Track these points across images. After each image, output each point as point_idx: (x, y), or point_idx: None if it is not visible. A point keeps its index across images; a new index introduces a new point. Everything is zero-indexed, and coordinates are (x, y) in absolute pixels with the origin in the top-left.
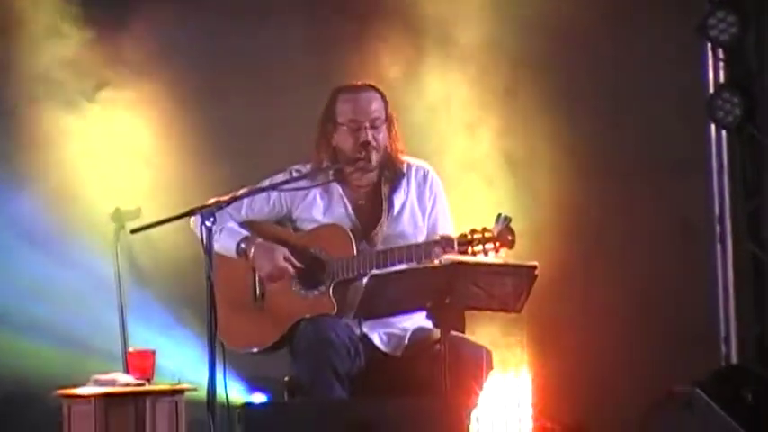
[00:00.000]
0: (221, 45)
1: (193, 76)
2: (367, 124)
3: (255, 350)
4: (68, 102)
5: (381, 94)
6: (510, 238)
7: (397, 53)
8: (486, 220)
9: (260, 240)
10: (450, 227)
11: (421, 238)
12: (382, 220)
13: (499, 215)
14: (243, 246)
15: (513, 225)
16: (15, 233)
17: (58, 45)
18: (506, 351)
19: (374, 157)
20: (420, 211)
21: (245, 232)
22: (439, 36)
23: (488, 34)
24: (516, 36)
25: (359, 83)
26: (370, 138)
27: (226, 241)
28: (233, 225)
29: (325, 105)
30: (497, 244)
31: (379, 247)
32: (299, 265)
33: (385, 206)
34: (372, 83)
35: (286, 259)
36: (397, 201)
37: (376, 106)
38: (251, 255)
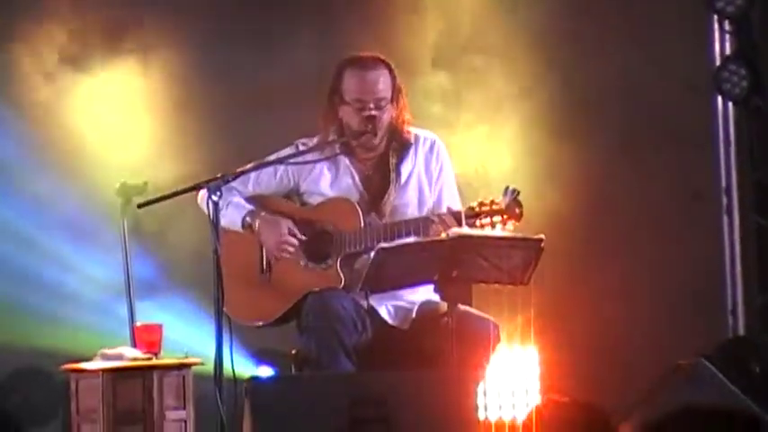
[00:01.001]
0: (226, 19)
1: (199, 48)
2: (372, 105)
3: (262, 324)
4: (74, 70)
5: (389, 67)
6: (518, 210)
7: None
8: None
9: (264, 213)
10: (456, 196)
11: (427, 207)
12: (390, 189)
13: (507, 187)
14: (248, 219)
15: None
16: (21, 210)
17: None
18: (513, 324)
19: (379, 132)
20: (426, 181)
21: (250, 206)
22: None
23: (493, 7)
24: (522, 11)
25: (366, 55)
26: (374, 113)
27: (232, 215)
28: (239, 200)
29: (332, 77)
30: (505, 216)
31: (387, 217)
32: (302, 237)
33: (392, 176)
34: (380, 55)
35: (290, 232)
36: (405, 170)
37: (382, 85)
38: (256, 228)
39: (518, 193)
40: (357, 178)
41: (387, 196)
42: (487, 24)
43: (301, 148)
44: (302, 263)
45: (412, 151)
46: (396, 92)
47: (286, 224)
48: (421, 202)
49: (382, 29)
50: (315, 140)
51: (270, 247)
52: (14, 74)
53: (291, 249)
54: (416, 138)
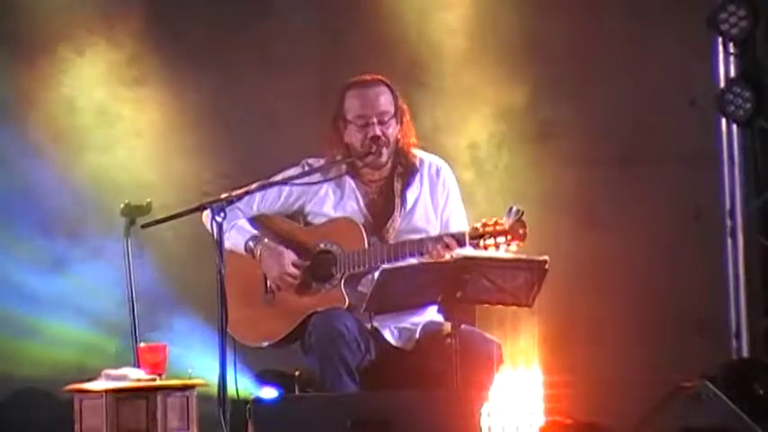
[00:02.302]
0: (228, 34)
1: (200, 66)
2: (374, 119)
3: (266, 344)
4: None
5: (390, 87)
6: (521, 231)
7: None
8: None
9: (267, 241)
10: (464, 223)
11: (433, 234)
12: (395, 215)
13: (510, 207)
14: (251, 244)
15: (525, 218)
16: (27, 223)
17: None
18: (517, 345)
19: (385, 152)
20: (432, 207)
21: (254, 231)
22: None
23: (496, 27)
24: (526, 28)
25: (368, 77)
26: (378, 132)
27: (235, 238)
28: (243, 222)
29: (335, 103)
30: (509, 237)
31: (391, 242)
32: (305, 264)
33: (397, 202)
34: (381, 77)
35: (293, 263)
36: (411, 196)
37: (384, 101)
38: (257, 255)
39: (522, 213)
40: (362, 202)
41: (390, 222)
42: (485, 40)
43: (307, 168)
44: (306, 283)
45: (417, 177)
46: (399, 111)
47: (288, 256)
48: (426, 230)
49: (385, 45)
50: (321, 161)
51: (271, 277)
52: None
53: (292, 281)
54: (422, 162)
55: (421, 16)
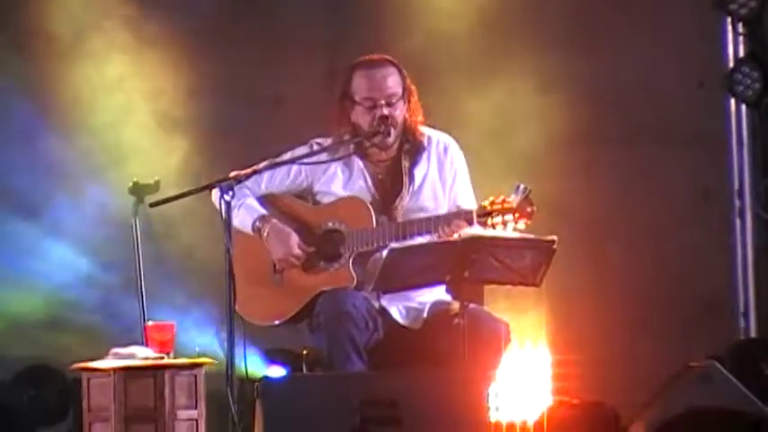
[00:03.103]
0: (236, 14)
1: (208, 46)
2: (383, 101)
3: (274, 323)
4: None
5: (398, 67)
6: (529, 209)
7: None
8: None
9: (275, 221)
10: (472, 200)
11: (442, 212)
12: (403, 193)
13: (518, 185)
14: (258, 224)
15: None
16: (29, 209)
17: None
18: (525, 324)
19: (392, 132)
20: (441, 185)
21: (262, 210)
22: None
23: (503, 8)
24: (535, 11)
25: (376, 57)
26: (386, 113)
27: (243, 217)
28: (251, 201)
29: (341, 81)
30: (517, 215)
31: (400, 221)
32: (310, 250)
33: (405, 180)
34: (389, 57)
35: (298, 246)
36: (418, 174)
37: (392, 82)
38: (264, 236)
39: (530, 191)
40: (370, 181)
41: (399, 200)
42: (497, 24)
43: (316, 147)
44: (314, 262)
45: (425, 154)
46: (407, 91)
47: (295, 239)
48: (435, 208)
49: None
50: (329, 140)
51: (277, 258)
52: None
53: (296, 263)
54: (429, 140)
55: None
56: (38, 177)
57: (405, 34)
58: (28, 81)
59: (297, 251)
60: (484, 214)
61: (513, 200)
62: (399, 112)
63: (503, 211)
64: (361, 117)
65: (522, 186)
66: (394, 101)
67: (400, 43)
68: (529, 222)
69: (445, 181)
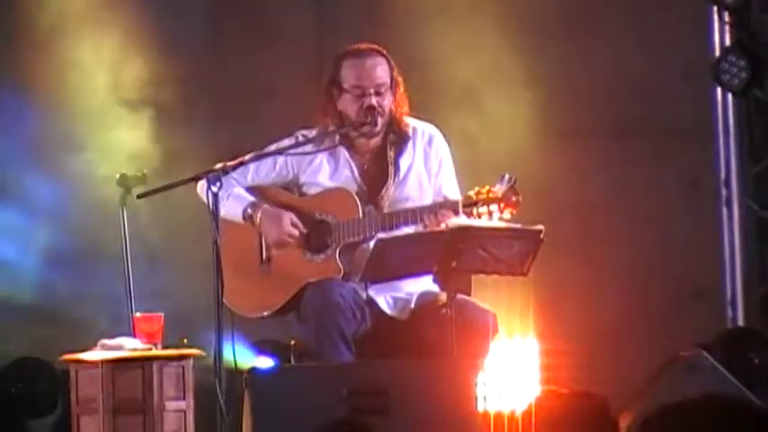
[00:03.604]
0: (223, 4)
1: (193, 36)
2: (371, 90)
3: (262, 314)
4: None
5: (386, 57)
6: (515, 198)
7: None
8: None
9: (266, 206)
10: (456, 190)
11: (427, 201)
12: (388, 183)
13: (503, 175)
14: (249, 211)
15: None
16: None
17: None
18: (512, 314)
19: (379, 122)
20: (426, 174)
21: (251, 198)
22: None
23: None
24: (521, 3)
25: (364, 46)
26: (374, 103)
27: (232, 207)
28: (239, 190)
29: (329, 70)
30: (502, 205)
31: (386, 210)
32: (304, 230)
33: (391, 170)
34: (378, 46)
35: (293, 224)
36: (403, 164)
37: (381, 72)
38: (257, 220)
39: (515, 180)
40: (356, 171)
41: (385, 189)
42: (483, 18)
43: (301, 139)
44: (301, 253)
45: (410, 144)
46: (394, 81)
47: (288, 216)
48: (420, 197)
49: (383, 18)
50: (314, 132)
51: (271, 239)
52: None
53: (293, 242)
54: (414, 130)
55: None
56: (18, 158)
57: (394, 25)
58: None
59: (291, 229)
60: (469, 204)
61: (499, 189)
62: (387, 101)
63: (488, 201)
64: (348, 105)
65: (507, 176)
66: (382, 90)
67: (389, 34)
68: (514, 212)
69: (430, 170)
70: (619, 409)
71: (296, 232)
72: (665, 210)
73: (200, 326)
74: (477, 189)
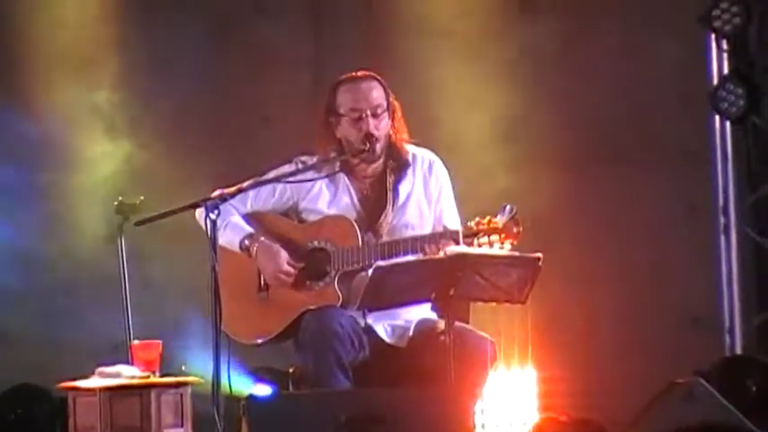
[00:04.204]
0: (221, 35)
1: (193, 63)
2: (368, 112)
3: (260, 341)
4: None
5: (381, 82)
6: (515, 229)
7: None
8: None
9: (263, 239)
10: (456, 217)
11: (426, 229)
12: (387, 209)
13: (505, 206)
14: (246, 243)
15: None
16: (25, 224)
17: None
18: (511, 342)
19: (378, 147)
20: (426, 201)
21: (249, 228)
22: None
23: (490, 23)
24: (519, 26)
25: (359, 73)
26: (372, 128)
27: (230, 236)
28: (237, 219)
29: (326, 99)
30: (503, 235)
31: (385, 237)
32: (300, 266)
33: (390, 196)
34: (373, 73)
35: (288, 263)
36: (403, 190)
37: (377, 94)
38: (253, 254)
39: (516, 211)
40: (355, 198)
41: (384, 216)
42: (480, 47)
43: (300, 165)
44: (300, 281)
45: (410, 171)
46: (390, 107)
47: (284, 256)
48: (419, 224)
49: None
50: (314, 158)
51: (267, 275)
52: None
53: (288, 280)
54: (414, 157)
55: (414, 15)
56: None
57: (390, 51)
58: None
59: (286, 268)
60: (470, 234)
61: (500, 220)
62: (384, 124)
63: (489, 232)
64: (346, 130)
65: (508, 207)
66: (379, 112)
67: (387, 62)
68: (515, 243)
69: (430, 197)
70: None
71: (291, 270)
72: (662, 237)
73: (198, 353)
74: (477, 219)
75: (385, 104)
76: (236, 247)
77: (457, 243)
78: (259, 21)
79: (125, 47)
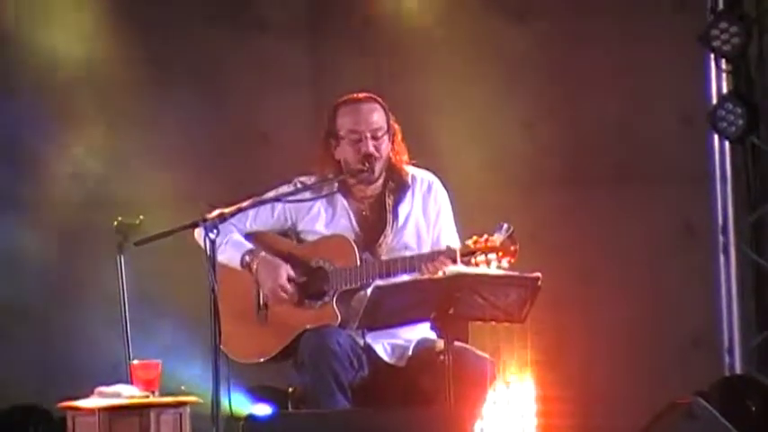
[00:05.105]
0: (219, 52)
1: (193, 83)
2: (368, 134)
3: (258, 361)
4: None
5: (382, 104)
6: (513, 247)
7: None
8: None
9: (264, 254)
10: (455, 238)
11: (425, 250)
12: (387, 231)
13: (501, 224)
14: (247, 258)
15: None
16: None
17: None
18: (510, 361)
19: (377, 168)
20: (425, 223)
21: (250, 245)
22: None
23: (487, 40)
24: (517, 45)
25: (360, 95)
26: (371, 149)
27: (231, 253)
28: (238, 237)
29: (326, 121)
30: (500, 254)
31: (383, 258)
32: (300, 280)
33: (389, 217)
34: (373, 95)
35: (289, 278)
36: (402, 212)
37: (377, 117)
38: (254, 269)
39: (513, 230)
40: (354, 219)
41: (383, 237)
42: (480, 64)
43: (299, 186)
44: (298, 300)
45: (409, 193)
46: (391, 129)
47: (285, 269)
48: (418, 245)
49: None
50: (313, 179)
51: (267, 290)
52: None
53: (286, 297)
54: (413, 178)
55: (412, 32)
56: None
57: (392, 70)
58: None
59: (285, 282)
60: (468, 253)
61: (497, 238)
62: (384, 146)
63: (486, 250)
64: (346, 152)
65: (505, 225)
66: (379, 135)
67: (386, 80)
68: (513, 261)
69: (429, 218)
70: None
71: (290, 287)
72: (661, 256)
73: (197, 372)
74: (475, 238)
75: (385, 127)
76: (236, 264)
77: (454, 262)
78: (258, 37)
79: (124, 64)
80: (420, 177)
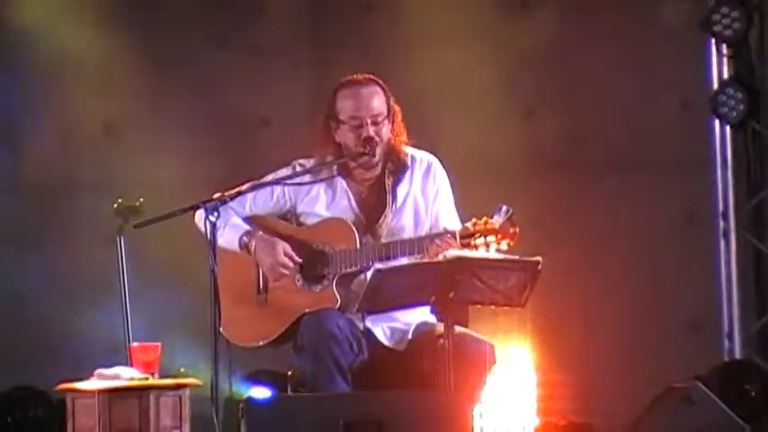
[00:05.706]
0: (220, 36)
1: (193, 67)
2: (368, 120)
3: (258, 344)
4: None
5: (382, 86)
6: (512, 230)
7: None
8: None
9: (261, 234)
10: (455, 219)
11: (424, 230)
12: (386, 211)
13: (500, 206)
14: (245, 239)
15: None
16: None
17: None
18: (510, 346)
19: (378, 152)
20: (423, 203)
21: (247, 226)
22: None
23: (489, 28)
24: (518, 32)
25: (360, 77)
26: (372, 133)
27: (229, 235)
28: (237, 220)
29: (326, 104)
30: (499, 236)
31: (384, 239)
32: (298, 260)
33: (388, 198)
34: (374, 77)
35: (286, 254)
36: (401, 192)
37: (377, 101)
38: (252, 248)
39: (512, 212)
40: (353, 201)
41: (383, 218)
42: (480, 51)
43: (299, 168)
44: (298, 283)
45: (408, 173)
46: (391, 111)
47: (282, 246)
48: (417, 225)
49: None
50: (312, 161)
51: (266, 268)
52: None
53: (286, 272)
54: (413, 159)
55: (414, 17)
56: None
57: (391, 55)
58: None
59: (284, 259)
60: (467, 235)
61: (496, 221)
62: (385, 130)
63: (485, 232)
64: (346, 135)
65: (504, 207)
66: (380, 120)
67: (386, 64)
68: (512, 243)
69: (427, 198)
70: None
71: (289, 263)
72: (662, 241)
73: (197, 355)
74: (474, 220)
75: (386, 111)
76: (235, 246)
77: (455, 244)
78: (259, 22)
79: (124, 49)
80: (419, 158)
